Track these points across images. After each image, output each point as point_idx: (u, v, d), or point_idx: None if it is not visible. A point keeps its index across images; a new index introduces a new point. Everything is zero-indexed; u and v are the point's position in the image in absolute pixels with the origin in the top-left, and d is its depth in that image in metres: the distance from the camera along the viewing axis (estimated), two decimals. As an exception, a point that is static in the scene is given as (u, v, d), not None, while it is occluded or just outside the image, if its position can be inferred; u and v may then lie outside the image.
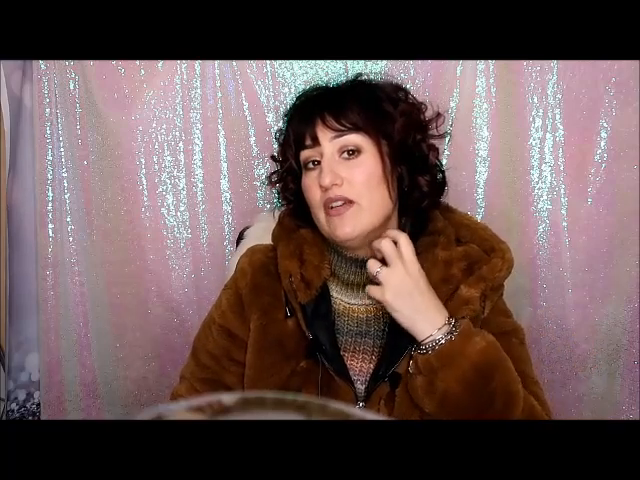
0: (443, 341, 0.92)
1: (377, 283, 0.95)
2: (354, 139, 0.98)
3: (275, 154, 1.12)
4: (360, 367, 1.01)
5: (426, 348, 0.93)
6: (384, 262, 0.95)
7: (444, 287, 0.99)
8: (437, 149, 1.05)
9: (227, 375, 1.05)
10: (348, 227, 0.96)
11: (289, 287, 1.01)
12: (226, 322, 1.06)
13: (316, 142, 0.98)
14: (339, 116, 0.98)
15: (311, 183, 0.99)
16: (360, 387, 0.99)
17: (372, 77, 1.07)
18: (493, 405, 0.92)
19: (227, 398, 0.41)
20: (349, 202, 0.96)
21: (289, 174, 1.05)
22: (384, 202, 0.99)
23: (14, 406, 1.69)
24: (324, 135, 0.98)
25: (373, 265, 0.95)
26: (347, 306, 1.02)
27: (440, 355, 0.92)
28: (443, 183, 1.07)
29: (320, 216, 0.99)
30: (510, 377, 0.95)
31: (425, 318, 0.93)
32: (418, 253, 1.02)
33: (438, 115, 1.05)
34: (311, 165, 1.00)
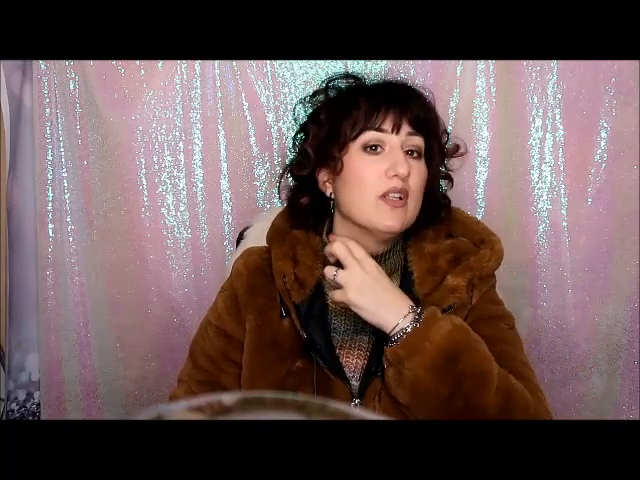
0: (409, 329, 0.92)
1: (339, 288, 0.96)
2: (420, 142, 1.01)
3: (307, 119, 1.07)
4: (355, 364, 1.01)
5: (395, 340, 0.93)
6: (339, 266, 0.96)
7: (430, 278, 1.01)
8: (452, 180, 1.10)
9: (224, 376, 1.06)
10: (397, 222, 0.98)
11: (283, 287, 1.02)
12: (222, 324, 1.06)
13: (395, 130, 0.99)
14: (419, 116, 1.00)
15: (371, 166, 0.99)
16: (355, 384, 1.00)
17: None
18: (462, 386, 0.90)
19: (227, 398, 0.41)
20: (405, 198, 0.98)
21: (337, 144, 1.01)
22: (419, 209, 1.01)
23: (14, 406, 1.69)
24: (405, 127, 0.99)
25: (329, 270, 0.96)
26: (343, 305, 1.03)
27: (406, 344, 0.91)
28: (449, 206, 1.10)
29: (370, 200, 0.98)
30: (481, 357, 0.93)
31: (390, 310, 0.94)
32: (408, 247, 1.04)
33: (458, 148, 1.10)
34: (370, 149, 0.99)
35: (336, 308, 1.03)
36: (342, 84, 1.07)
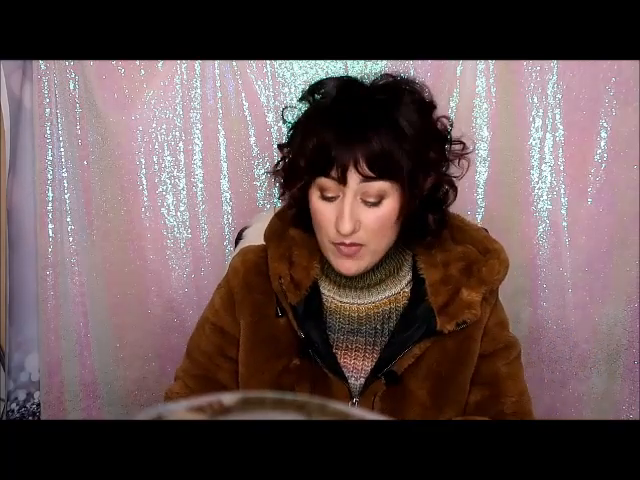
0: None
1: None
2: (381, 186, 0.91)
3: (283, 144, 1.02)
4: (353, 364, 1.01)
5: None
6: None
7: (443, 288, 0.99)
8: (456, 188, 1.00)
9: (220, 372, 1.07)
10: (353, 267, 0.96)
11: (279, 289, 1.01)
12: (219, 320, 1.07)
13: (343, 181, 0.91)
14: (374, 164, 0.89)
15: (325, 213, 0.94)
16: (354, 383, 1.01)
17: (406, 86, 0.97)
18: None
19: (227, 398, 0.41)
20: (359, 246, 0.94)
21: (297, 178, 0.97)
22: (390, 240, 0.98)
23: (14, 406, 1.69)
24: (353, 178, 0.90)
25: None
26: (339, 304, 1.03)
27: None
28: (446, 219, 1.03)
29: (326, 243, 0.96)
30: None
31: None
32: (415, 254, 1.03)
33: (464, 146, 1.00)
34: (327, 194, 0.93)
35: (331, 307, 1.03)
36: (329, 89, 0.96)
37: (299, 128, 0.98)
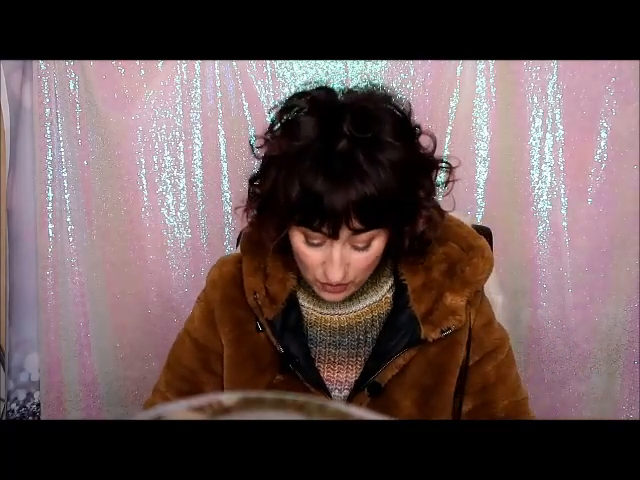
0: None
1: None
2: (368, 235, 0.87)
3: (255, 177, 0.95)
4: (337, 377, 0.99)
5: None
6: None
7: (426, 293, 0.96)
8: (443, 213, 0.94)
9: (205, 387, 1.04)
10: (339, 297, 0.94)
11: (254, 304, 0.98)
12: (200, 336, 1.04)
13: (334, 237, 0.86)
14: (365, 219, 0.85)
15: (312, 256, 0.90)
16: (338, 395, 0.99)
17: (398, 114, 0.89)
18: None
19: (227, 398, 0.41)
20: (345, 284, 0.92)
21: (275, 218, 0.91)
22: (374, 268, 0.94)
23: (14, 406, 1.69)
24: (344, 233, 0.86)
25: None
26: (319, 316, 0.99)
27: None
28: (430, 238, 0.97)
29: (312, 281, 0.94)
30: None
31: None
32: (399, 260, 0.98)
33: (450, 167, 0.94)
34: (314, 241, 0.88)
35: (311, 319, 0.99)
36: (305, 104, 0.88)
37: (275, 164, 0.89)
